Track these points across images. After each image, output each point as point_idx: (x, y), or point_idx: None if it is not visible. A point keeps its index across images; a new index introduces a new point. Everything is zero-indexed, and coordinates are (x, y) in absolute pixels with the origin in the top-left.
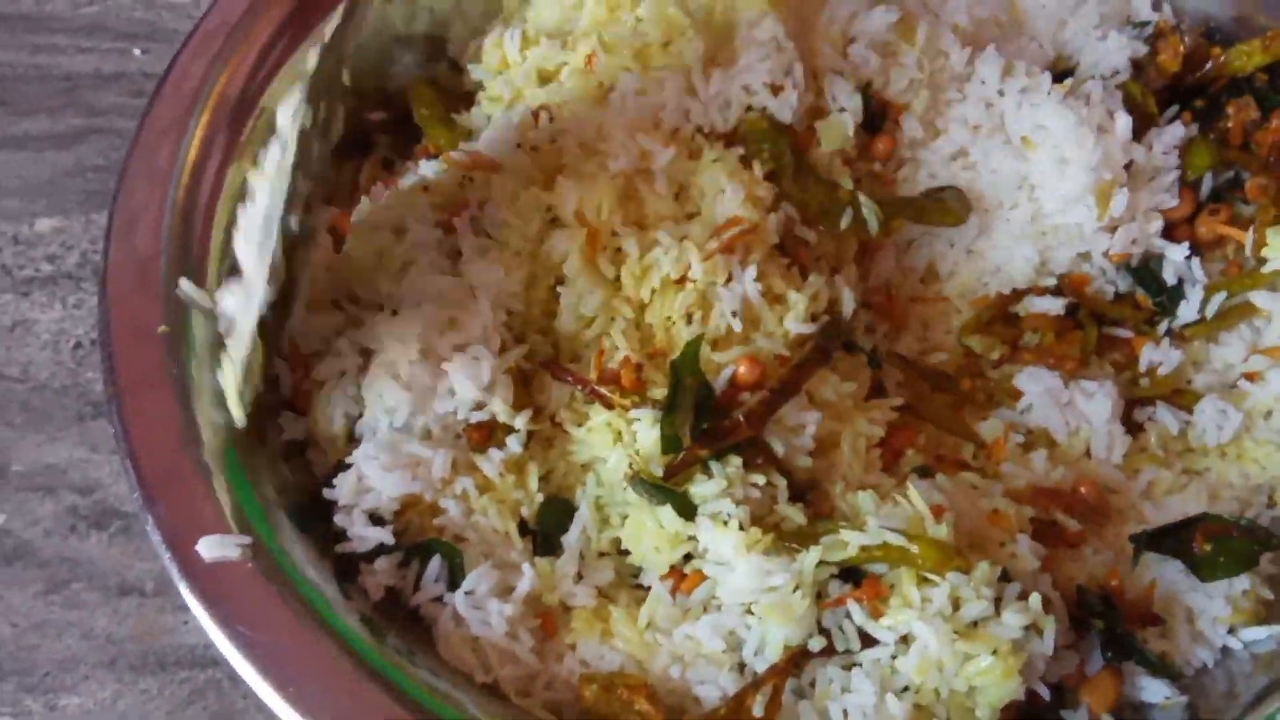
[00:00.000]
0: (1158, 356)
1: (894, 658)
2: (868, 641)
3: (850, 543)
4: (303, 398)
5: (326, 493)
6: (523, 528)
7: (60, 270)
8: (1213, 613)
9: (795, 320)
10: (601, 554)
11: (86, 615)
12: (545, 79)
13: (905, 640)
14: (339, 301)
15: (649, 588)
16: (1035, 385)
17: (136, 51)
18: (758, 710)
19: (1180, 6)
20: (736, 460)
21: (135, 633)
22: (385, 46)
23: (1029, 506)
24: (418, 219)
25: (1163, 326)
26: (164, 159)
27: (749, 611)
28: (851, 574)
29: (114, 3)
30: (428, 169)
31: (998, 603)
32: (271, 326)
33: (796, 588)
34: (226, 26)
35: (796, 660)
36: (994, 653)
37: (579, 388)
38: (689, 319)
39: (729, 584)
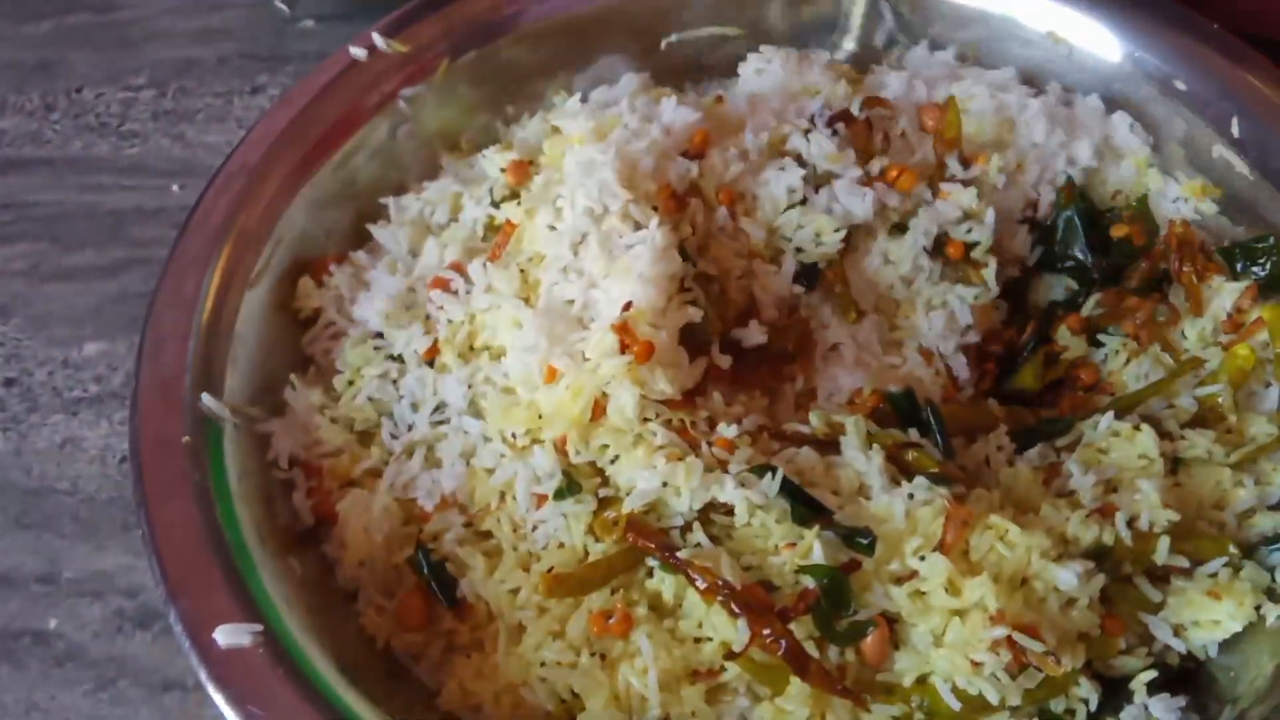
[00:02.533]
0: None
1: None
2: None
3: None
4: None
5: None
6: None
7: (106, 390)
8: None
9: None
10: None
11: (132, 712)
12: None
13: None
14: None
15: None
16: None
17: (175, 187)
18: None
19: None
20: None
21: None
22: None
23: None
24: None
25: None
26: (189, 288)
27: None
28: None
29: (154, 144)
30: None
31: None
32: None
33: None
34: (247, 168)
35: None
36: None
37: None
38: None
39: None
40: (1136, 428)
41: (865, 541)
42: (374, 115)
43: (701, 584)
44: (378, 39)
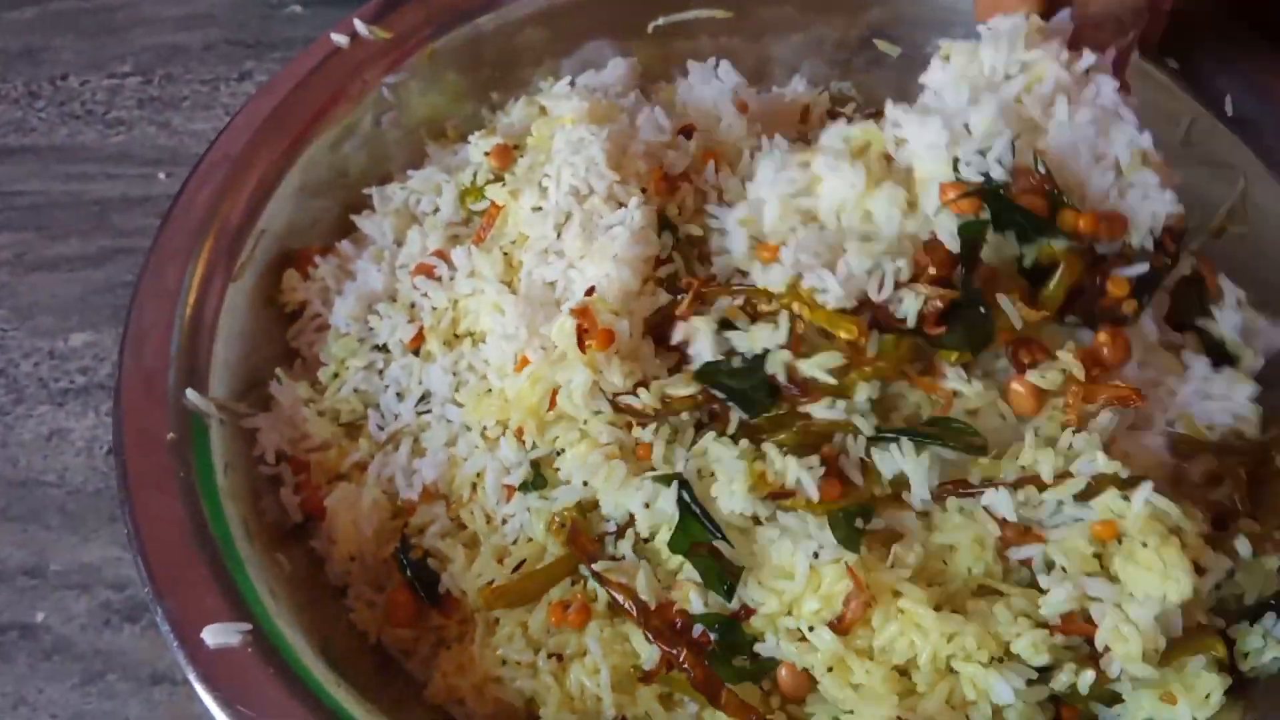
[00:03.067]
0: None
1: None
2: None
3: None
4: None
5: None
6: None
7: (92, 381)
8: None
9: None
10: None
11: (120, 705)
12: None
13: None
14: None
15: None
16: None
17: (161, 175)
18: None
19: None
20: None
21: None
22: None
23: None
24: None
25: None
26: (172, 280)
27: None
28: None
29: (140, 131)
30: None
31: None
32: None
33: None
34: (229, 158)
35: None
36: None
37: None
38: None
39: None
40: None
41: (725, 586)
42: (357, 103)
43: (620, 599)
44: (360, 25)
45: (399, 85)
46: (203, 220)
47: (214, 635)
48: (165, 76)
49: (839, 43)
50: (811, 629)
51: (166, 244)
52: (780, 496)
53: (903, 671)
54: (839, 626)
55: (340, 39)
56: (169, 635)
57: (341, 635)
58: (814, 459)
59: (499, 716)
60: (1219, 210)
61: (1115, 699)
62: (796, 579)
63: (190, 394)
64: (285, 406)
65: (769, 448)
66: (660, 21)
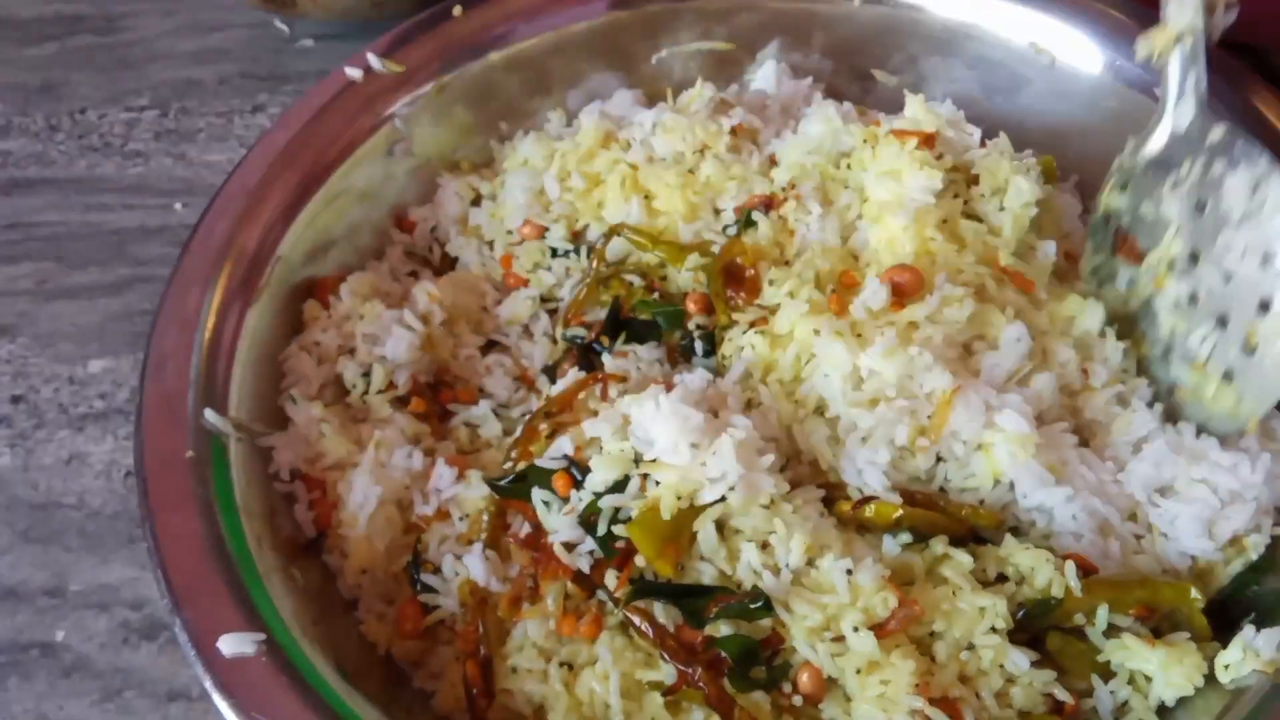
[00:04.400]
0: None
1: None
2: None
3: None
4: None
5: None
6: None
7: (111, 406)
8: None
9: None
10: None
11: None
12: None
13: None
14: None
15: None
16: None
17: (177, 206)
18: None
19: None
20: None
21: None
22: None
23: None
24: None
25: None
26: (191, 306)
27: None
28: None
29: (157, 163)
30: None
31: None
32: None
33: None
34: (247, 189)
35: None
36: None
37: None
38: None
39: None
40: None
41: (756, 606)
42: (370, 135)
43: (637, 621)
44: (373, 59)
45: (410, 118)
46: (221, 249)
47: (230, 645)
48: (181, 110)
49: (835, 72)
50: (856, 630)
51: (186, 272)
52: None
53: (923, 649)
54: (880, 632)
55: (354, 73)
56: (186, 646)
57: (353, 647)
58: None
59: None
60: None
61: (1101, 668)
62: (840, 593)
63: (209, 414)
64: (300, 425)
65: None
66: (664, 53)
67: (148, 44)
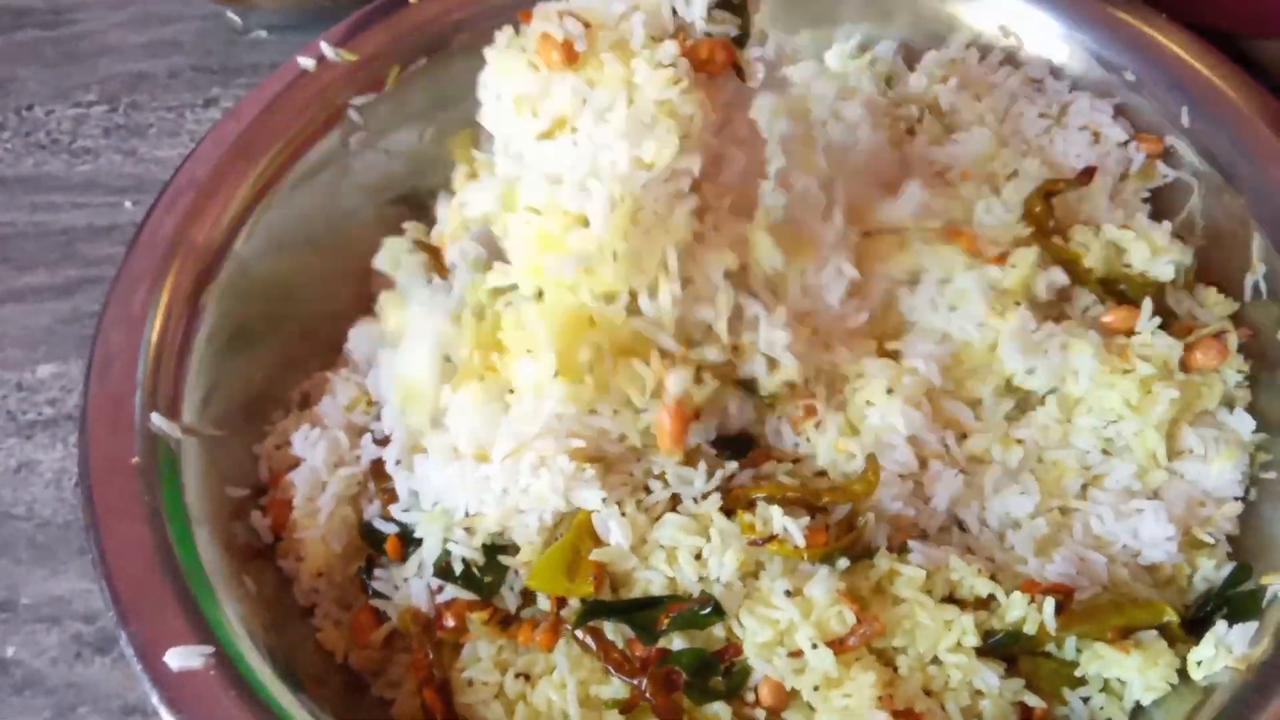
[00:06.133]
0: None
1: None
2: None
3: None
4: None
5: None
6: None
7: (60, 413)
8: None
9: None
10: None
11: None
12: None
13: None
14: None
15: None
16: None
17: (127, 204)
18: None
19: None
20: None
21: None
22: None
23: None
24: None
25: None
26: (138, 305)
27: None
28: None
29: (106, 160)
30: None
31: None
32: None
33: None
34: (195, 184)
35: None
36: None
37: None
38: None
39: None
40: None
41: (707, 612)
42: (325, 126)
43: (583, 637)
44: (326, 48)
45: (366, 107)
46: (170, 245)
47: (178, 658)
48: (131, 105)
49: None
50: (815, 646)
51: (133, 269)
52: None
53: (885, 660)
54: (839, 648)
55: (307, 62)
56: (134, 659)
57: (310, 654)
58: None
59: None
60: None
61: (1074, 681)
62: (785, 609)
63: (156, 418)
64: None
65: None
66: None
67: (97, 37)
